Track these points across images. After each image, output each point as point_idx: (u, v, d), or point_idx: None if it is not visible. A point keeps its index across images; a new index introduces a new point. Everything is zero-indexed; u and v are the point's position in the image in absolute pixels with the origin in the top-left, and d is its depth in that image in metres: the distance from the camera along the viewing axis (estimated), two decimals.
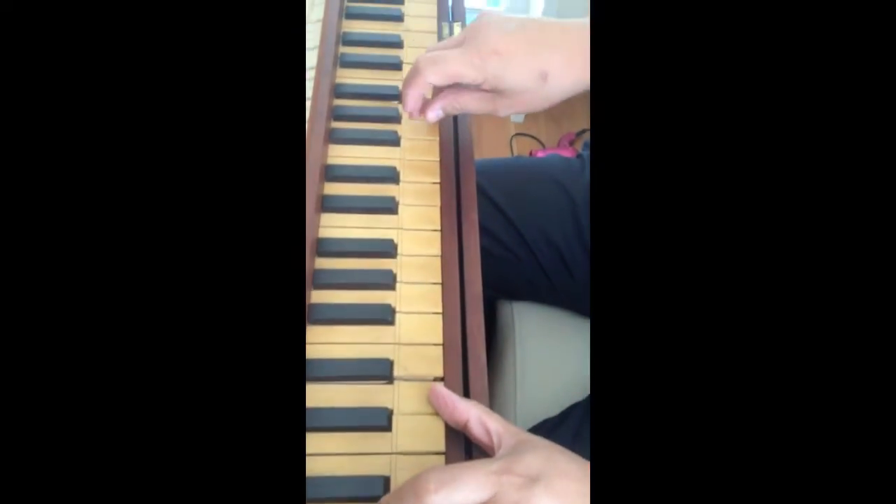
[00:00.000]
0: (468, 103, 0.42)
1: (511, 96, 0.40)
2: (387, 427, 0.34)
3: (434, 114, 0.42)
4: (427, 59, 0.40)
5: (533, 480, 0.30)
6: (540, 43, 0.39)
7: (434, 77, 0.40)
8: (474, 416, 0.33)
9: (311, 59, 0.48)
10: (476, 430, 0.33)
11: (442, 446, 0.33)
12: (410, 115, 0.43)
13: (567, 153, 1.23)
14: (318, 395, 0.34)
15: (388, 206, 0.42)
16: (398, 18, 0.52)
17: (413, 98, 0.42)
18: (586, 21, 0.41)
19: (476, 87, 0.41)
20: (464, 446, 0.34)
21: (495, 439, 0.33)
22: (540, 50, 0.39)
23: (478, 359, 0.36)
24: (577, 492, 0.30)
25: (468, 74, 0.39)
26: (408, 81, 0.41)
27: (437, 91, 0.43)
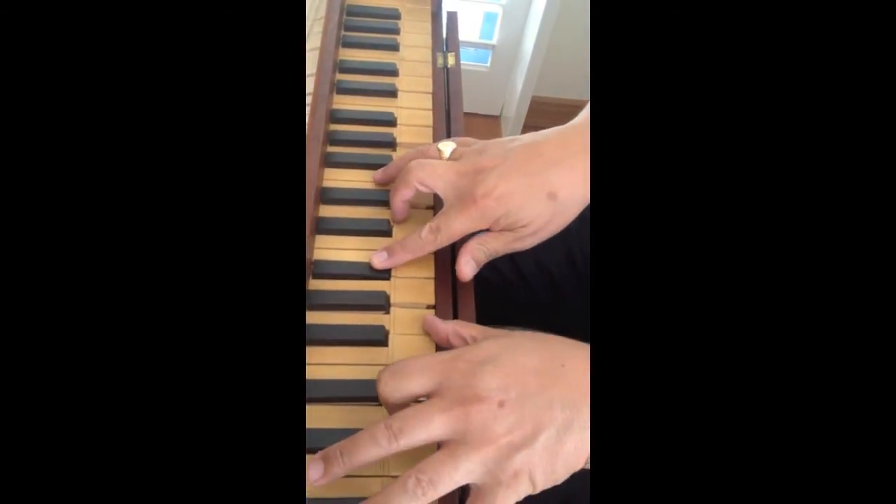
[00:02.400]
0: (496, 246, 0.39)
1: (528, 225, 0.38)
2: None
3: (469, 268, 0.39)
4: (433, 227, 0.38)
5: (481, 363, 0.30)
6: (537, 168, 0.38)
7: (444, 241, 0.39)
8: (451, 329, 0.35)
9: (309, 85, 0.49)
10: (455, 342, 0.35)
11: None
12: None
13: None
14: (311, 416, 0.34)
15: (382, 229, 0.42)
16: (394, 48, 0.54)
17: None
18: (585, 113, 0.40)
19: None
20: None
21: (469, 342, 0.34)
22: (539, 175, 0.37)
23: None
24: (533, 368, 0.29)
25: (472, 228, 0.38)
26: (415, 249, 0.40)
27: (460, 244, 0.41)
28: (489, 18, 1.35)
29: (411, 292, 0.40)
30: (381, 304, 0.39)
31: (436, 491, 0.28)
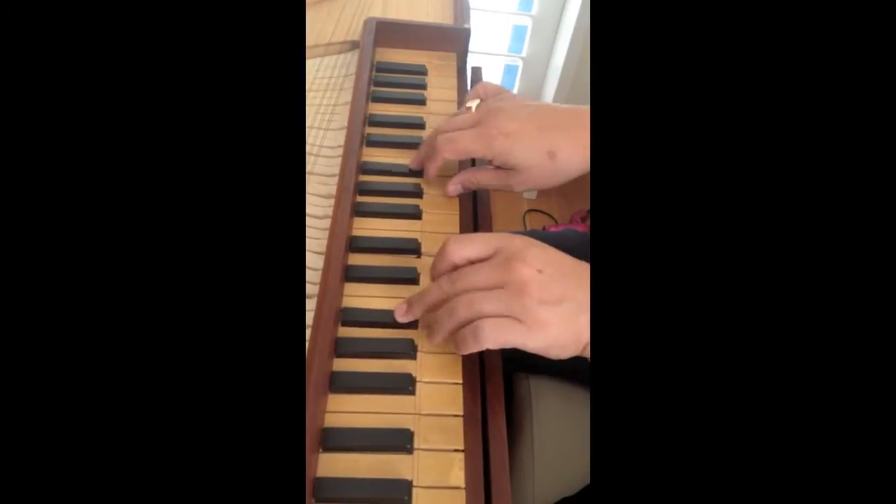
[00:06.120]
0: (484, 179, 0.46)
1: (521, 172, 0.43)
2: (406, 501, 0.33)
3: (454, 188, 0.47)
4: (444, 138, 0.45)
5: (531, 244, 0.35)
6: (548, 126, 0.43)
7: (448, 154, 0.45)
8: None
9: (339, 138, 0.51)
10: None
11: None
12: (429, 181, 0.49)
13: (581, 229, 1.25)
14: (337, 465, 0.34)
15: (409, 277, 0.43)
16: (421, 102, 0.56)
17: (433, 171, 0.48)
18: None
19: (491, 166, 0.45)
20: None
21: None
22: (547, 132, 0.43)
23: (498, 430, 0.36)
24: (570, 260, 0.35)
25: (477, 151, 0.44)
26: (427, 158, 0.47)
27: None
28: (510, 71, 1.39)
29: None
30: (409, 350, 0.39)
31: (468, 310, 0.34)
